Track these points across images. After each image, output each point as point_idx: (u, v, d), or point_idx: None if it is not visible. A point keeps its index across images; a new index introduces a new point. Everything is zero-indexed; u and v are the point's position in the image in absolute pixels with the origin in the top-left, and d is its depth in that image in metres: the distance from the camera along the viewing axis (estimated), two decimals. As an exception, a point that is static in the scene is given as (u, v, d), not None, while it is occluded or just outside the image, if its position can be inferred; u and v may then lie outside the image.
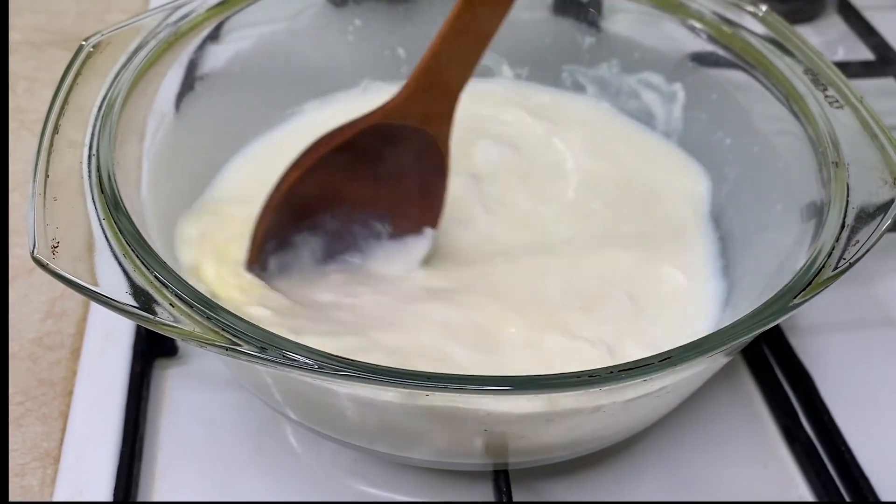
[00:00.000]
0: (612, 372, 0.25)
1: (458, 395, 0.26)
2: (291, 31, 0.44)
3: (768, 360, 0.43)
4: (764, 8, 0.42)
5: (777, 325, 0.43)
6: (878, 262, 0.49)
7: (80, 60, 0.35)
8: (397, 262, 0.38)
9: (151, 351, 0.42)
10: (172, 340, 0.42)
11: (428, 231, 0.38)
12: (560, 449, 0.32)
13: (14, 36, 0.64)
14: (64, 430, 0.40)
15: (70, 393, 0.41)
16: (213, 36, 0.40)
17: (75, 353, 0.43)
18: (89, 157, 0.32)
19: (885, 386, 0.43)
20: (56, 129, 0.32)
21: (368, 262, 0.38)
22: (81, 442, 0.39)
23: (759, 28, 0.41)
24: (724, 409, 0.42)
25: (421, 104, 0.35)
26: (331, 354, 0.25)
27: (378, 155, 0.36)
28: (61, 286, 0.45)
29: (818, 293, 0.29)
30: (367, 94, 0.47)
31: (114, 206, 0.30)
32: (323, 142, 0.35)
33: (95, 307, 0.44)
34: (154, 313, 0.26)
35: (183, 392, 0.41)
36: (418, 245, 0.38)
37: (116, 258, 0.28)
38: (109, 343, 0.43)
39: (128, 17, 0.38)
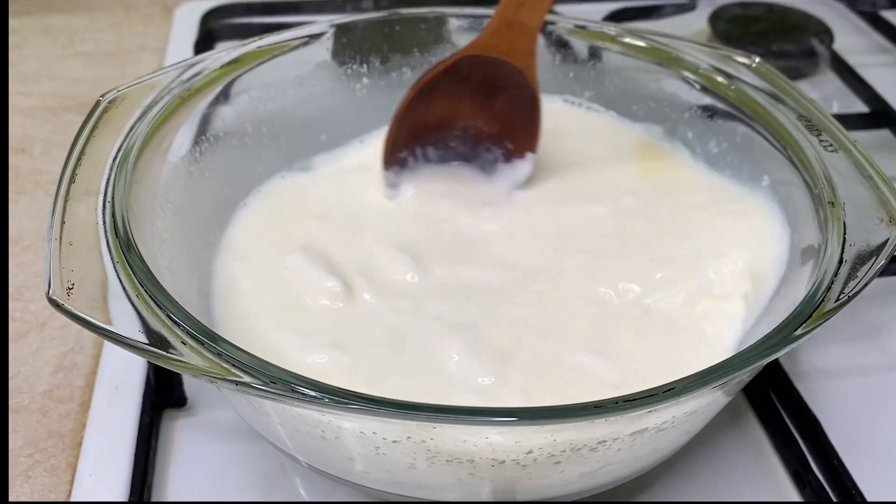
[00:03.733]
0: (616, 402, 0.25)
1: (464, 426, 0.26)
2: (300, 89, 0.45)
3: (776, 406, 0.43)
4: (757, 59, 0.43)
5: (784, 372, 0.44)
6: (881, 309, 0.50)
7: (96, 114, 0.37)
8: (503, 182, 0.45)
9: (161, 402, 0.42)
10: (182, 391, 0.43)
11: (529, 155, 0.45)
12: (568, 487, 0.32)
13: (31, 102, 0.66)
14: (72, 481, 0.40)
15: (79, 445, 0.41)
16: (225, 92, 0.41)
17: (84, 406, 0.43)
18: (104, 203, 0.33)
19: (893, 430, 0.43)
20: (73, 178, 0.34)
21: (483, 177, 0.45)
22: (89, 493, 0.39)
23: (753, 78, 0.42)
24: (733, 456, 0.41)
25: (503, 40, 0.42)
26: (339, 388, 0.25)
27: (480, 84, 0.43)
28: (72, 340, 0.47)
29: (820, 325, 0.29)
30: (375, 148, 0.48)
31: (127, 249, 0.30)
32: (431, 69, 0.42)
33: (105, 360, 0.45)
34: (166, 350, 0.27)
35: (191, 443, 0.41)
36: (521, 167, 0.45)
37: (129, 298, 0.29)
38: (118, 395, 0.43)
39: (110, 90, 0.39)
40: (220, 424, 0.42)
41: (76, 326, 0.46)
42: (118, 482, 0.39)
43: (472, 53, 0.42)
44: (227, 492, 0.39)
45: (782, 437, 0.41)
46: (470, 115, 0.44)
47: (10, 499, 0.39)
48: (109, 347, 0.45)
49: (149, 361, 0.43)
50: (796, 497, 0.40)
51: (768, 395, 0.43)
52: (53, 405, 0.44)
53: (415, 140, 0.45)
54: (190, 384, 0.43)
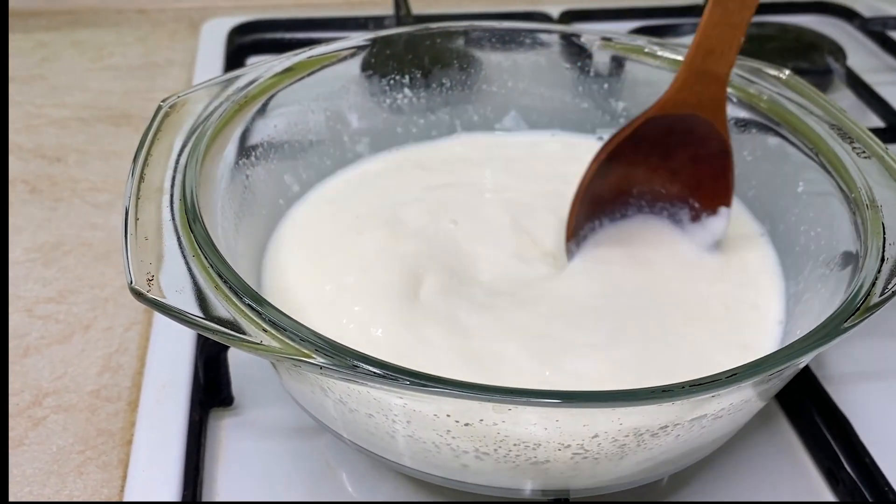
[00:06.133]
0: (683, 387, 0.26)
1: (535, 408, 0.27)
2: (344, 99, 0.47)
3: (807, 408, 0.44)
4: (787, 72, 0.45)
5: (813, 375, 0.45)
6: (904, 316, 0.51)
7: (159, 118, 0.38)
8: (699, 241, 0.43)
9: (208, 401, 0.43)
10: (229, 390, 0.44)
11: (723, 210, 0.43)
12: (621, 475, 0.33)
13: (64, 113, 0.67)
14: (124, 476, 0.41)
15: (129, 442, 0.42)
16: (278, 100, 0.43)
17: (132, 405, 0.44)
18: (171, 200, 0.34)
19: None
20: (142, 178, 0.35)
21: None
22: (143, 488, 0.39)
23: (784, 90, 0.44)
24: (768, 456, 0.42)
25: (692, 93, 0.40)
26: (420, 371, 0.26)
27: (663, 144, 0.41)
28: (116, 342, 0.48)
29: (867, 318, 0.30)
30: (412, 150, 0.50)
31: (201, 243, 0.32)
32: (613, 138, 0.41)
33: (151, 361, 0.46)
34: (249, 335, 0.28)
35: (238, 441, 0.42)
36: (717, 223, 0.43)
37: (202, 289, 0.30)
38: (166, 394, 0.44)
39: (171, 96, 0.40)
40: (266, 423, 0.43)
41: (120, 328, 0.49)
42: (171, 477, 0.39)
43: (659, 114, 0.40)
44: (275, 489, 0.40)
45: (814, 438, 0.43)
46: (645, 178, 0.42)
47: (65, 494, 0.40)
48: (154, 348, 0.46)
49: (200, 358, 0.44)
50: (830, 495, 0.41)
51: (799, 398, 0.44)
52: (101, 404, 0.44)
53: (594, 214, 0.43)
54: (237, 383, 0.44)
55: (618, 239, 0.43)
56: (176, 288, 0.30)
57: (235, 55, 0.72)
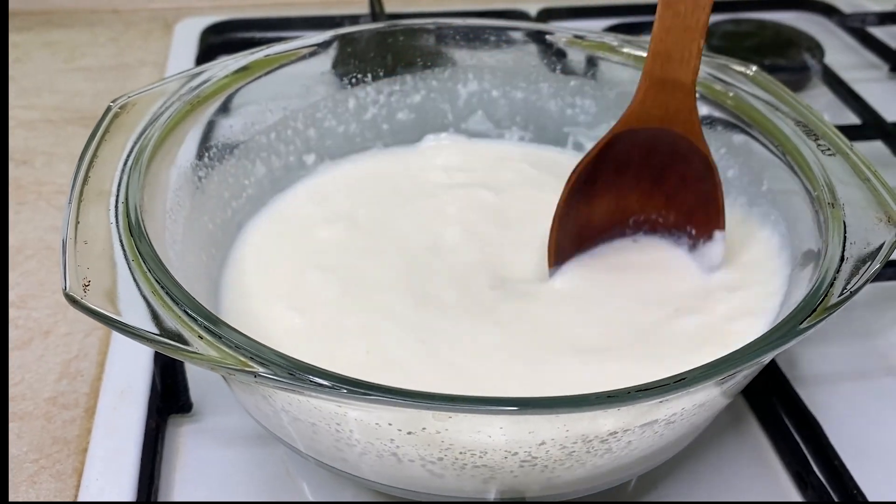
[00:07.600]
0: (629, 392, 0.26)
1: (479, 416, 0.26)
2: (305, 99, 0.46)
3: (777, 410, 0.43)
4: (754, 68, 0.44)
5: (783, 376, 0.44)
6: (876, 315, 0.51)
7: (108, 119, 0.37)
8: (696, 269, 0.40)
9: (166, 408, 0.43)
10: (187, 397, 0.43)
11: (717, 234, 0.39)
12: (575, 482, 0.32)
13: (33, 115, 0.66)
14: (78, 486, 0.40)
15: (84, 450, 0.41)
16: (233, 100, 0.42)
17: (89, 412, 0.43)
18: (116, 203, 0.33)
19: (891, 432, 0.43)
20: (86, 180, 0.34)
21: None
22: (96, 497, 0.39)
23: (750, 87, 0.43)
24: (736, 459, 0.42)
25: (657, 104, 0.37)
26: (356, 379, 0.26)
27: (637, 163, 0.38)
28: (76, 348, 0.47)
29: (824, 319, 0.29)
30: (376, 158, 0.49)
31: (141, 248, 0.31)
32: (583, 159, 0.38)
33: (110, 367, 0.45)
34: (185, 343, 0.27)
35: (197, 448, 0.41)
36: (712, 250, 0.40)
37: (144, 295, 0.29)
38: (124, 401, 0.43)
39: (121, 96, 0.39)
40: (225, 430, 0.42)
41: (80, 334, 0.48)
42: (125, 486, 0.39)
43: (625, 128, 0.38)
44: (234, 497, 0.40)
45: (784, 440, 0.42)
46: (638, 206, 0.40)
47: None
48: (114, 354, 0.46)
49: (157, 364, 0.43)
50: (798, 498, 0.40)
51: (769, 399, 0.44)
52: (58, 411, 0.44)
53: (581, 244, 0.40)
54: (195, 390, 0.43)
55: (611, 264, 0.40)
56: (111, 294, 0.29)
57: (207, 55, 0.71)
